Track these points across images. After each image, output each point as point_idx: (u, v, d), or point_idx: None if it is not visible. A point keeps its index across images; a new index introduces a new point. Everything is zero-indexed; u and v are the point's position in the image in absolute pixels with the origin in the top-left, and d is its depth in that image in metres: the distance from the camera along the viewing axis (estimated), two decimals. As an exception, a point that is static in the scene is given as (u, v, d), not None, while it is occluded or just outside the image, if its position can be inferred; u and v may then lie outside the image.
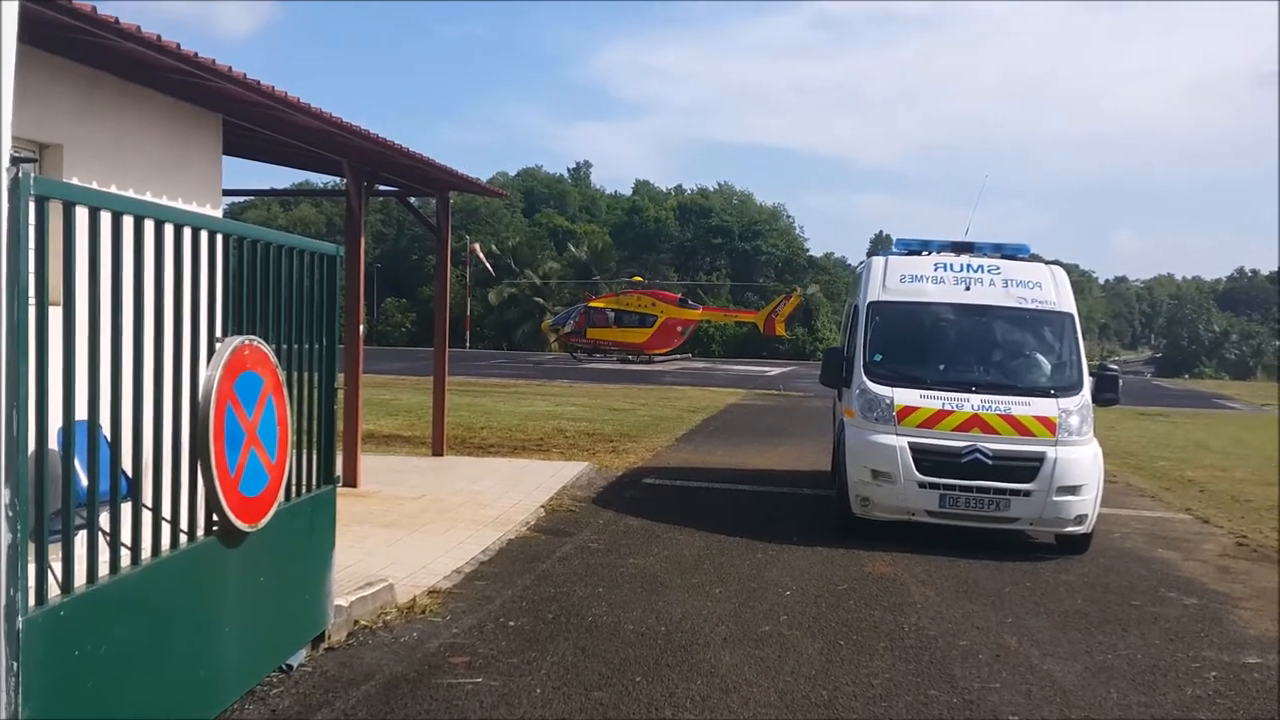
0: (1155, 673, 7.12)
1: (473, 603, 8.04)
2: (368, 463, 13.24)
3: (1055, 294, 11.63)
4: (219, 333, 5.33)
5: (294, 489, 6.20)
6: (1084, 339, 11.72)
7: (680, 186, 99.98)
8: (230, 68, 8.09)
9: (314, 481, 6.53)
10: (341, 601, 7.01)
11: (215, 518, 5.21)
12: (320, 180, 52.17)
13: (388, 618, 7.44)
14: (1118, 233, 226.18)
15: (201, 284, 5.11)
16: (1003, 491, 10.41)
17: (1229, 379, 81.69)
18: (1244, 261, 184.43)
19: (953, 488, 10.47)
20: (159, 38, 7.14)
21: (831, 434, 13.94)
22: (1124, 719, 6.23)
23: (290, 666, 6.23)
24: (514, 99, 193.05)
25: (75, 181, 6.82)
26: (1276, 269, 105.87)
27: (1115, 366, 12.94)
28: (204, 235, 5.13)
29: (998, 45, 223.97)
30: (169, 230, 4.79)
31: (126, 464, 4.59)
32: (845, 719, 6.02)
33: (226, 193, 10.86)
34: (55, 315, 3.95)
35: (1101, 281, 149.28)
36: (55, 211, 3.95)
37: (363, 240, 12.75)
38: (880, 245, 75.73)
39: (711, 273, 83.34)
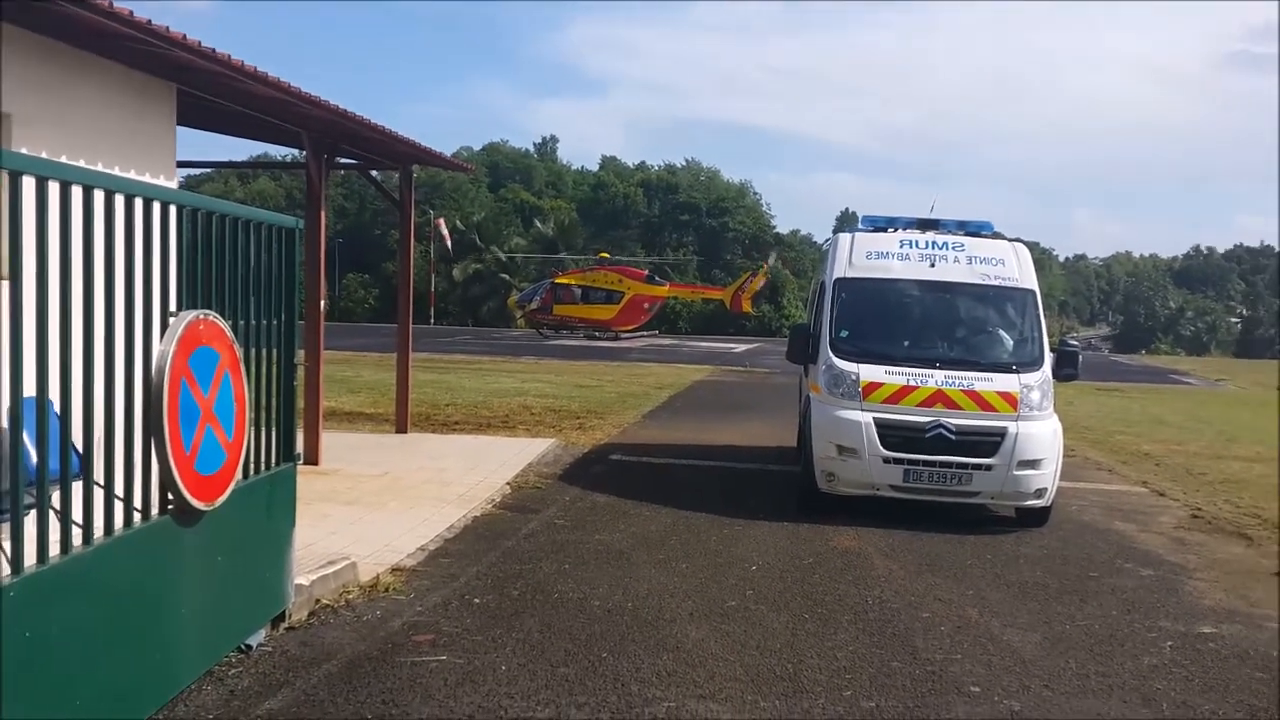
0: (1112, 642, 7.21)
1: (437, 580, 7.99)
2: (330, 440, 13.12)
3: (1018, 271, 11.69)
4: (173, 307, 5.21)
5: (252, 467, 6.10)
6: (1045, 315, 11.80)
7: (645, 163, 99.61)
8: (184, 35, 7.92)
9: (273, 459, 6.44)
10: (302, 580, 6.93)
11: (170, 496, 5.11)
12: (279, 153, 51.78)
13: (350, 596, 7.37)
14: (1077, 211, 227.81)
15: (155, 257, 4.98)
16: (965, 466, 10.47)
17: (1185, 355, 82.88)
18: (1200, 239, 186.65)
19: (916, 463, 10.52)
20: (111, 4, 6.97)
21: (797, 410, 13.97)
22: (1082, 689, 6.30)
23: (250, 646, 6.16)
24: (479, 74, 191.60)
25: (23, 151, 6.66)
26: (1277, 251, 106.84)
27: (1075, 343, 13.04)
28: (156, 206, 5.00)
29: (963, 28, 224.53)
30: (120, 201, 4.67)
31: (78, 441, 4.49)
32: (810, 691, 6.03)
33: (182, 164, 10.68)
34: (3, 289, 3.84)
35: (1062, 259, 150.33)
36: (0, 181, 3.83)
37: (323, 214, 12.60)
38: (847, 222, 75.91)
39: (678, 249, 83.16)
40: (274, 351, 6.47)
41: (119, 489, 4.82)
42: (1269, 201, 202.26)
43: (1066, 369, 11.28)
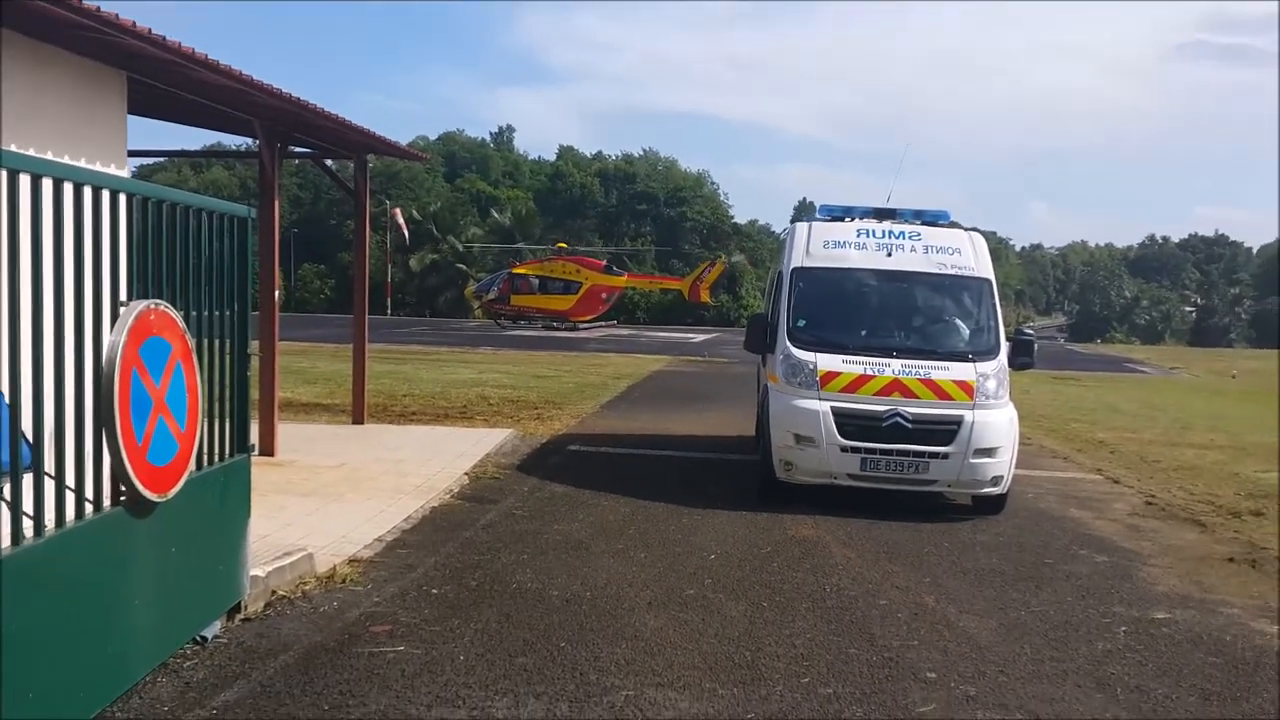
0: (1067, 628, 7.29)
1: (395, 571, 7.94)
2: (286, 431, 12.99)
3: (974, 260, 11.77)
4: (124, 297, 5.14)
5: (206, 458, 6.03)
6: (1001, 304, 11.91)
7: (602, 153, 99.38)
8: (134, 23, 7.79)
9: (227, 450, 6.37)
10: (258, 572, 6.87)
11: (122, 487, 5.04)
12: (233, 142, 51.09)
13: (307, 587, 7.31)
14: (1034, 203, 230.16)
15: (104, 246, 4.91)
16: (922, 454, 10.54)
17: (1139, 343, 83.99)
18: (1155, 229, 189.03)
19: (874, 451, 10.58)
20: (59, -9, 6.85)
21: (756, 399, 14.01)
22: (1037, 674, 6.36)
23: (205, 638, 6.09)
24: (436, 63, 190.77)
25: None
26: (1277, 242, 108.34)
27: (1030, 332, 13.17)
28: (106, 195, 4.93)
29: (921, 19, 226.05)
30: (69, 189, 4.60)
31: (28, 432, 4.41)
32: (768, 679, 6.05)
33: (133, 153, 10.52)
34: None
35: (1018, 249, 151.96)
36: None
37: (277, 203, 12.45)
38: (804, 212, 76.20)
39: (637, 239, 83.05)
40: (227, 341, 6.40)
41: (70, 480, 4.74)
42: (1224, 191, 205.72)
43: (1022, 358, 11.40)
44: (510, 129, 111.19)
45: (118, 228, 5.04)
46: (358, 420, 15.34)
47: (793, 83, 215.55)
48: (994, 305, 11.62)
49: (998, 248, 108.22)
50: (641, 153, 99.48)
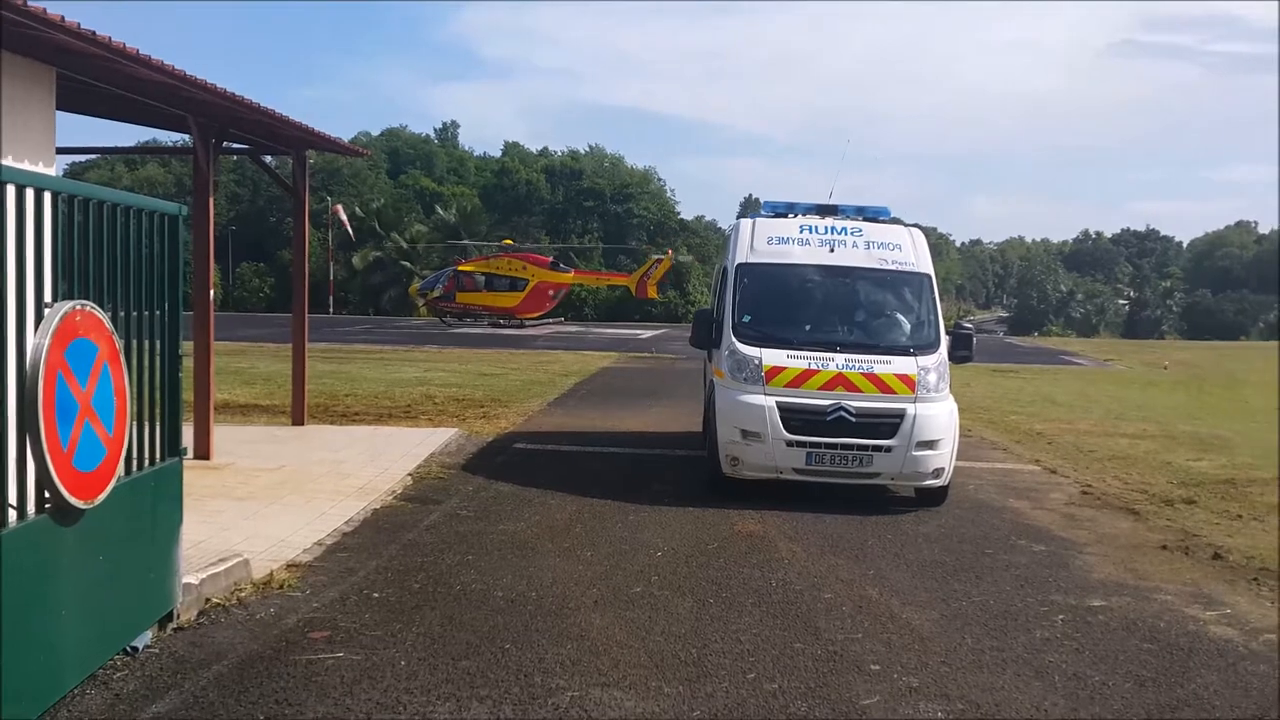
0: (1007, 617, 7.38)
1: (334, 575, 7.82)
2: (222, 434, 12.77)
3: (914, 255, 11.88)
4: (48, 298, 4.99)
5: (135, 462, 5.89)
6: (941, 299, 12.01)
7: (548, 149, 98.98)
8: (63, 17, 7.59)
9: (158, 454, 6.22)
10: (191, 579, 6.72)
11: (47, 494, 4.89)
12: (168, 138, 50.22)
13: (242, 594, 7.17)
14: (974, 198, 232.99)
15: (28, 246, 4.77)
16: (865, 448, 10.60)
17: (1075, 336, 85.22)
18: (1089, 224, 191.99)
19: (819, 445, 10.62)
20: (-21, -17, 6.64)
21: (702, 395, 14.01)
22: (977, 663, 6.42)
23: (136, 648, 5.94)
24: (378, 58, 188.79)
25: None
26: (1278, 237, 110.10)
27: (970, 325, 13.33)
28: (29, 193, 4.79)
29: (865, 17, 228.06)
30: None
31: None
32: (714, 675, 6.04)
33: (63, 150, 10.27)
34: None
35: (958, 244, 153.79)
36: None
37: (211, 200, 12.22)
38: (750, 208, 76.44)
39: (583, 236, 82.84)
40: (158, 343, 6.25)
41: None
42: (1156, 187, 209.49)
43: (961, 351, 11.52)
44: (455, 125, 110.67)
45: (42, 227, 4.90)
46: (298, 421, 15.11)
47: (739, 79, 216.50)
48: (934, 300, 11.72)
49: (938, 243, 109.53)
50: (588, 149, 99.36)
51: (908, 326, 11.70)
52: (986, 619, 7.33)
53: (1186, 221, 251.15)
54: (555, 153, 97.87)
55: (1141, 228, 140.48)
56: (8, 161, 7.75)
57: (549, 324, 54.21)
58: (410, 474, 11.71)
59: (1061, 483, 13.01)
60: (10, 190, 4.63)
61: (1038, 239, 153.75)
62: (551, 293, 52.66)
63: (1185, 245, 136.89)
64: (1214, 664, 6.62)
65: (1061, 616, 7.46)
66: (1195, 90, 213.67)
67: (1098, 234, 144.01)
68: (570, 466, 12.99)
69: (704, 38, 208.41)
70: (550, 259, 55.10)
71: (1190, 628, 7.32)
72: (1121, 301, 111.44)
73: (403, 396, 19.48)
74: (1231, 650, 6.88)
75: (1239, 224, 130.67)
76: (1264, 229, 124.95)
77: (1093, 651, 6.74)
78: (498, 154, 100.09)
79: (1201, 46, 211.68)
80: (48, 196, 4.97)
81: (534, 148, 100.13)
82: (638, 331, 52.17)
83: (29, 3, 7.15)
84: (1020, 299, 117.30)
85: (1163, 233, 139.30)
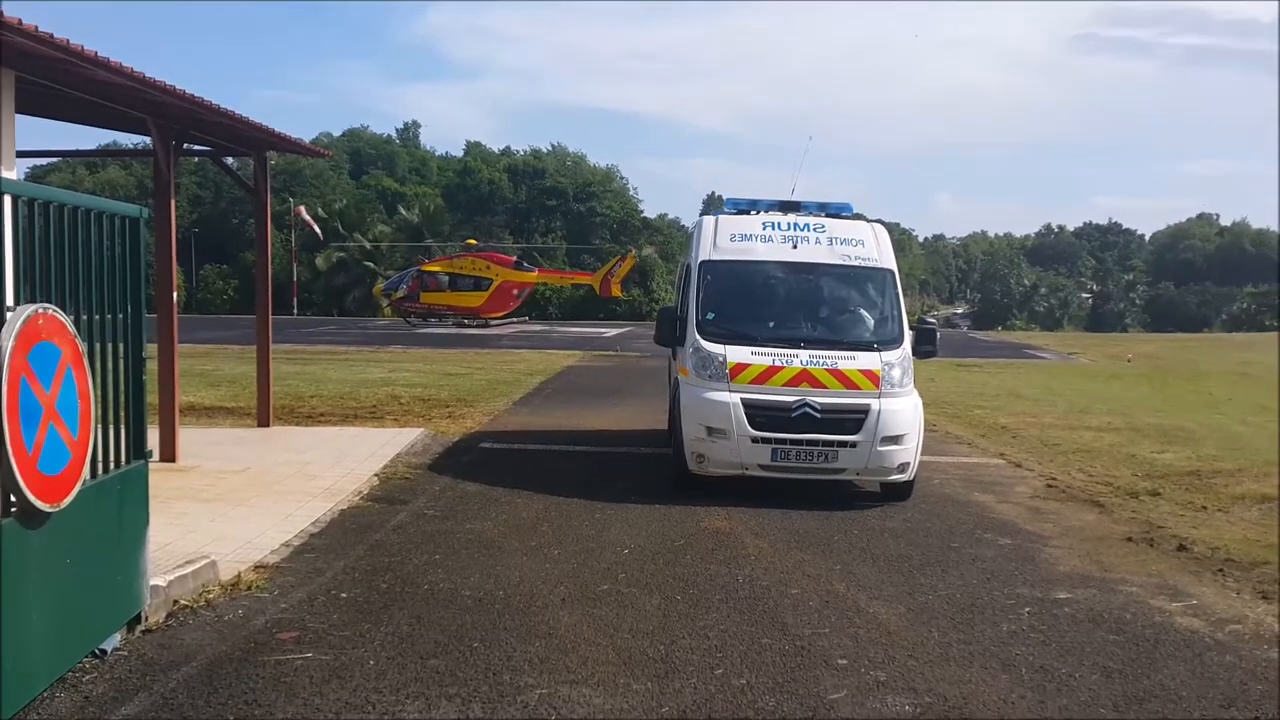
0: (973, 611, 7.45)
1: (302, 576, 7.80)
2: (188, 436, 12.69)
3: (877, 251, 11.97)
4: (10, 302, 4.96)
5: (101, 465, 5.87)
6: (904, 294, 12.11)
7: (510, 148, 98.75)
8: (20, 20, 7.54)
9: (123, 457, 6.20)
10: (159, 581, 6.69)
11: (13, 498, 4.87)
12: (129, 140, 49.83)
13: (210, 596, 7.14)
14: (938, 194, 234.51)
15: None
16: (830, 444, 10.67)
17: (1039, 330, 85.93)
18: (1051, 219, 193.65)
19: (784, 441, 10.67)
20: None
21: (667, 393, 14.05)
22: (945, 657, 6.48)
23: (104, 651, 5.92)
24: (338, 58, 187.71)
25: None
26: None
27: (933, 320, 13.43)
28: (-12, 197, 4.76)
29: (826, 13, 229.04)
30: (-53, 191, 4.43)
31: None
32: (682, 672, 6.08)
33: (22, 154, 10.20)
34: None
35: (921, 239, 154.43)
36: None
37: (173, 202, 12.17)
38: (713, 205, 76.53)
39: (546, 235, 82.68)
40: (121, 345, 6.22)
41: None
42: (1117, 181, 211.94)
43: (925, 346, 11.60)
44: (416, 125, 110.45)
45: (2, 231, 4.87)
46: (263, 423, 15.03)
47: (699, 76, 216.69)
48: (897, 295, 11.81)
49: (901, 238, 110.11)
50: (550, 148, 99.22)
51: (871, 322, 11.79)
52: (953, 612, 7.39)
53: (1148, 215, 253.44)
54: (518, 152, 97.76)
55: (1104, 221, 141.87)
56: (-34, 164, 7.70)
57: (513, 323, 54.11)
58: (377, 474, 11.68)
59: (1026, 476, 13.13)
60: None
61: (1000, 233, 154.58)
62: (515, 292, 52.54)
63: (1148, 238, 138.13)
64: (1180, 655, 6.67)
65: (1028, 609, 7.52)
66: (1156, 84, 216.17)
67: (1060, 228, 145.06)
68: (536, 465, 13.00)
69: (665, 36, 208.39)
70: (514, 258, 54.96)
71: (1156, 619, 7.39)
72: (1085, 295, 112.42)
73: (368, 397, 19.40)
74: (1198, 641, 6.94)
75: (1201, 216, 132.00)
76: (1225, 220, 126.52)
77: (1059, 644, 6.80)
78: (460, 154, 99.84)
79: (1162, 40, 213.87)
80: (8, 200, 4.94)
81: (496, 147, 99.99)
82: (602, 330, 52.18)
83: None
84: (984, 293, 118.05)
85: (1125, 226, 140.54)
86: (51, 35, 7.96)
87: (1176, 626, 7.26)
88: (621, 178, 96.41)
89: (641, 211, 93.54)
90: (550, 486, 11.39)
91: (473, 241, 58.43)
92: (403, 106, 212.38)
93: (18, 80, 9.01)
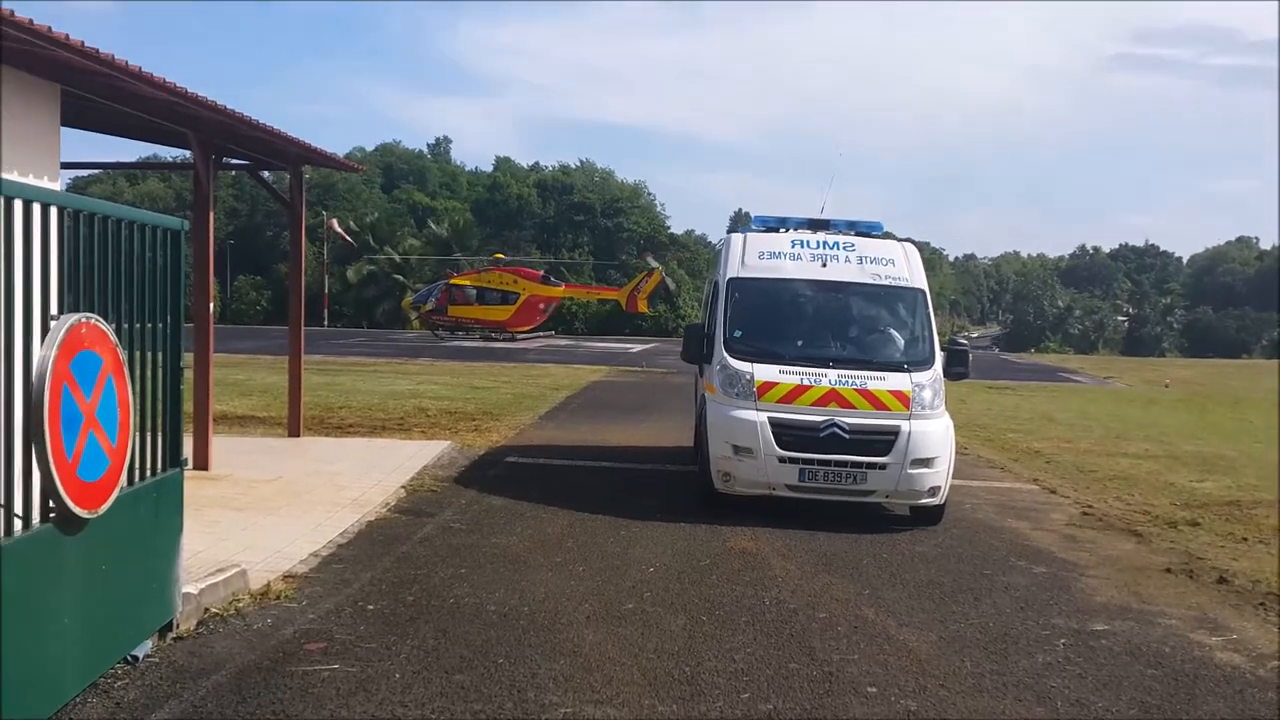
0: (1007, 640, 7.33)
1: (330, 587, 7.84)
2: (220, 445, 12.79)
3: (908, 270, 11.91)
4: (54, 311, 5.05)
5: (137, 473, 5.93)
6: (935, 314, 12.05)
7: (539, 164, 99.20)
8: (67, 36, 7.67)
9: (159, 465, 6.27)
10: (191, 589, 6.75)
11: (52, 504, 4.94)
12: (169, 154, 50.27)
13: (240, 604, 7.19)
14: (965, 213, 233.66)
15: (35, 259, 4.85)
16: (859, 465, 10.61)
17: (1073, 353, 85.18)
18: (1085, 239, 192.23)
19: (811, 462, 10.63)
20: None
21: (694, 410, 14.04)
22: (977, 687, 6.40)
23: (136, 658, 5.97)
24: (372, 75, 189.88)
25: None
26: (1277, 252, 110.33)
27: (965, 341, 13.32)
28: (36, 209, 4.85)
29: (849, 28, 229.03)
30: (-3, 202, 4.51)
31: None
32: (707, 694, 6.05)
33: (66, 166, 10.34)
34: None
35: (951, 259, 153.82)
36: None
37: (211, 215, 12.29)
38: (740, 222, 76.47)
39: (574, 250, 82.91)
40: (160, 355, 6.31)
41: (-3, 497, 4.64)
42: (1151, 201, 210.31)
43: (957, 367, 11.52)
44: (447, 140, 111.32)
45: (48, 242, 4.96)
46: (294, 433, 15.15)
47: (724, 93, 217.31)
48: (928, 315, 11.76)
49: (931, 258, 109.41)
50: (578, 163, 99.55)
51: (902, 342, 11.73)
52: (986, 641, 7.28)
53: (1186, 237, 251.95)
54: (546, 167, 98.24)
55: (1140, 243, 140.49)
56: (14, 177, 7.81)
57: (540, 337, 54.24)
58: (404, 486, 11.74)
59: (1061, 503, 12.93)
60: (18, 205, 4.70)
61: (1033, 254, 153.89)
62: (542, 306, 52.73)
63: (1185, 261, 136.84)
64: (1220, 691, 6.54)
65: (1063, 640, 7.39)
66: (1193, 103, 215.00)
67: (1095, 249, 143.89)
68: (562, 480, 13.01)
69: (685, 51, 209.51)
70: (541, 273, 55.14)
71: (1196, 653, 7.24)
72: (1120, 318, 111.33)
73: (396, 409, 19.50)
74: (1238, 677, 6.80)
75: (1239, 239, 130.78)
76: (1265, 244, 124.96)
77: (1096, 677, 6.67)
78: (489, 169, 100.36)
79: (1199, 60, 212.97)
80: (54, 211, 5.03)
81: (525, 162, 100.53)
82: (628, 345, 52.18)
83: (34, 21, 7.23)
84: (1016, 315, 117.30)
85: (1162, 248, 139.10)
86: (97, 50, 8.08)
87: (1216, 661, 7.12)
88: (649, 193, 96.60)
89: (668, 227, 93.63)
90: (575, 502, 11.40)
91: (500, 256, 58.72)
92: (433, 122, 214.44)
93: (62, 93, 9.15)
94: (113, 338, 5.47)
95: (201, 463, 11.89)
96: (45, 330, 4.91)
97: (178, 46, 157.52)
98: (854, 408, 10.71)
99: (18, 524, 4.77)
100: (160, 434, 6.32)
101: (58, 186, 9.08)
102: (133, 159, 50.54)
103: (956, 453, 11.27)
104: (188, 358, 6.92)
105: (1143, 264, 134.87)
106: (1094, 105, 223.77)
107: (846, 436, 10.61)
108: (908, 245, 12.42)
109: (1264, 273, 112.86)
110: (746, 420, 10.77)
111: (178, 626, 6.50)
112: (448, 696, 5.82)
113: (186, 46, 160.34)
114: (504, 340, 50.38)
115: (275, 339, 33.96)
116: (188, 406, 7.26)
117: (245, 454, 13.22)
